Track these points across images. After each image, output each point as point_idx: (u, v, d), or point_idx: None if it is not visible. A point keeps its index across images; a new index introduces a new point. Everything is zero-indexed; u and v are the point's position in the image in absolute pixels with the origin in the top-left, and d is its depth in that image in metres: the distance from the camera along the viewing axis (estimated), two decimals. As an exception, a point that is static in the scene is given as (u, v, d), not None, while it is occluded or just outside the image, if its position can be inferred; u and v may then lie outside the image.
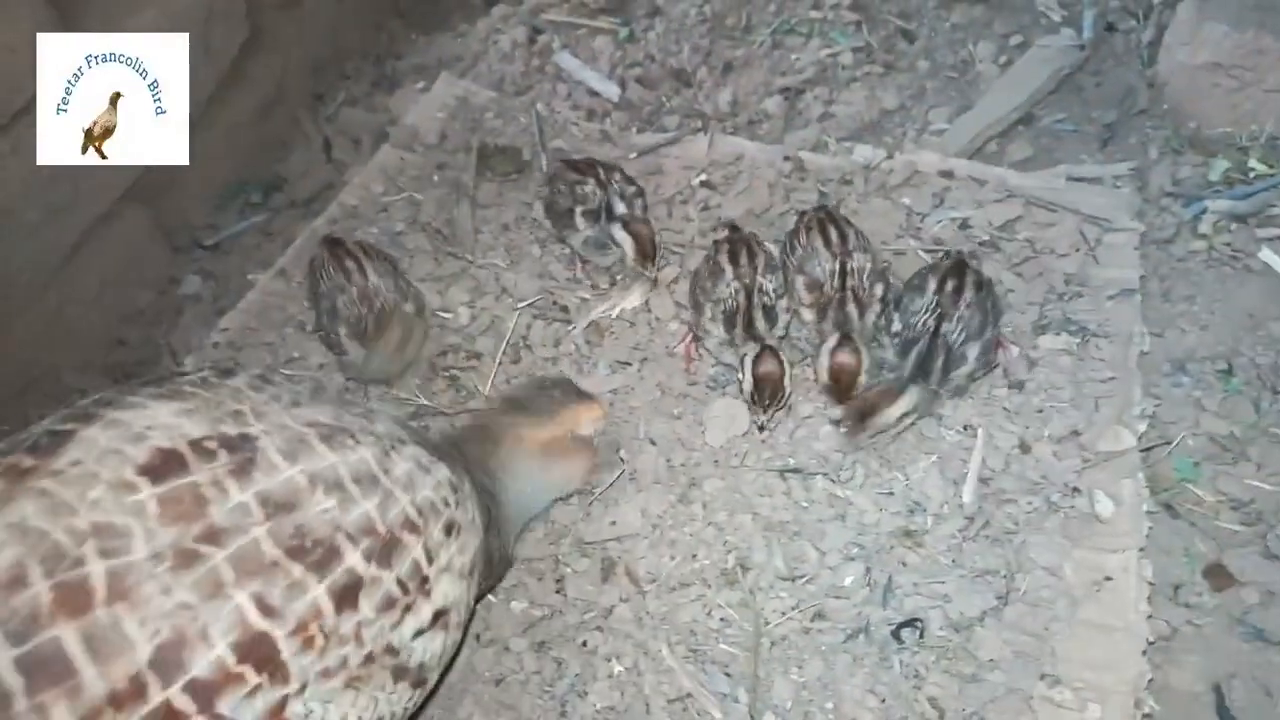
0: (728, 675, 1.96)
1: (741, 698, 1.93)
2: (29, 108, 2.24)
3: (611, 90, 3.23)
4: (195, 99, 2.52)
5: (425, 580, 1.46)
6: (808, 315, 2.40)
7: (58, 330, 2.59)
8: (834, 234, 2.40)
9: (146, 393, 1.41)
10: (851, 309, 2.33)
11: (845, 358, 2.24)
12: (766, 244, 2.54)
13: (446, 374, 2.47)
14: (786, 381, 2.25)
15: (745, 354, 2.28)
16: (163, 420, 1.35)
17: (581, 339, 2.52)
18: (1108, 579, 2.01)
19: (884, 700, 1.90)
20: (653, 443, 2.31)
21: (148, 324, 2.77)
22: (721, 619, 2.03)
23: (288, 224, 2.96)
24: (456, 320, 2.56)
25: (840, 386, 2.25)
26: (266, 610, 1.25)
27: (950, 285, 2.30)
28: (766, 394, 2.24)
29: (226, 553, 1.25)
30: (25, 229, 2.40)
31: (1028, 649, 1.93)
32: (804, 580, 2.07)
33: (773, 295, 2.38)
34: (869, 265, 2.38)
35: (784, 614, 2.02)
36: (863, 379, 2.25)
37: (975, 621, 1.97)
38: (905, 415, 2.19)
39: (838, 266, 2.35)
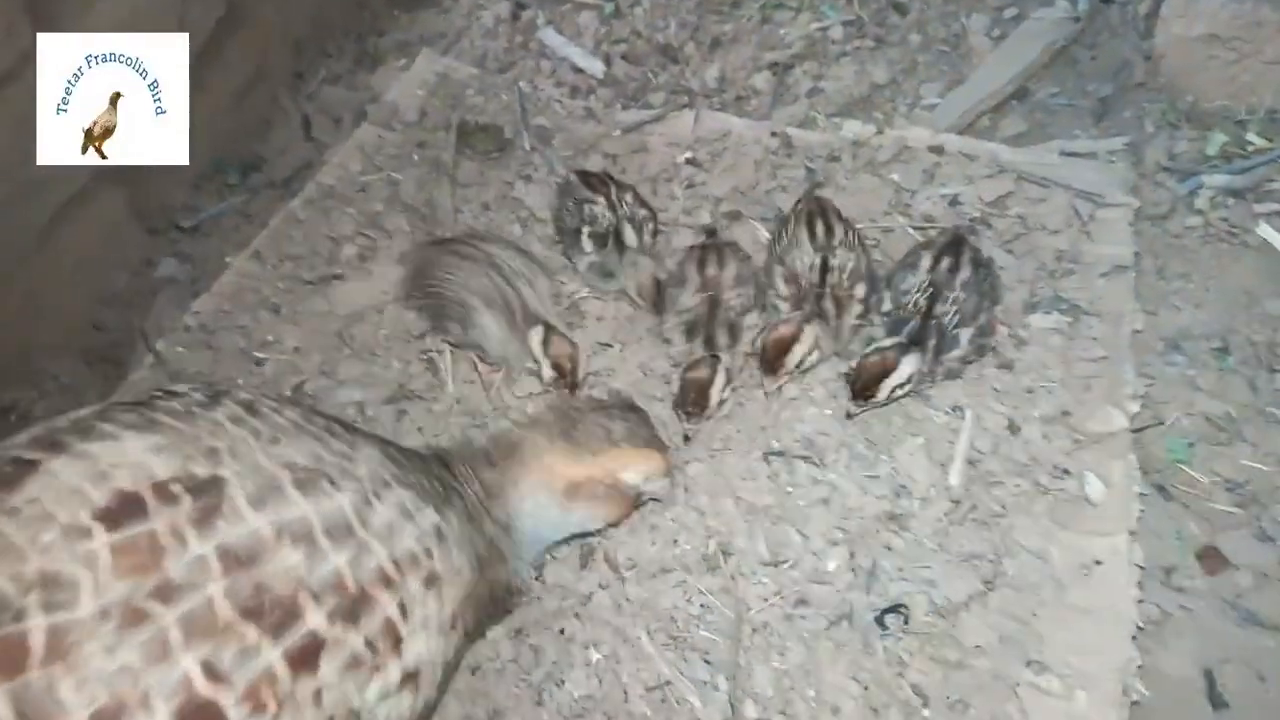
0: (708, 662, 1.92)
1: (721, 685, 1.89)
2: (-5, 85, 2.20)
3: (596, 67, 3.17)
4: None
5: (398, 639, 1.37)
6: (783, 308, 2.32)
7: (32, 314, 2.54)
8: (820, 227, 2.33)
9: (124, 420, 1.33)
10: (829, 306, 2.26)
11: (784, 331, 2.20)
12: (744, 251, 2.44)
13: (424, 356, 2.42)
14: (714, 391, 2.16)
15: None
16: (131, 457, 1.27)
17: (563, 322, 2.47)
18: (1097, 563, 1.96)
19: (867, 687, 1.86)
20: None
21: (124, 307, 2.71)
22: (702, 605, 1.99)
23: (266, 205, 2.90)
24: (435, 302, 2.51)
25: (766, 356, 2.21)
26: (214, 676, 1.17)
27: (946, 263, 2.24)
28: (690, 400, 2.16)
29: (178, 613, 1.17)
30: (-3, 209, 2.36)
31: (1014, 635, 1.89)
32: (786, 566, 2.02)
33: (738, 310, 2.29)
34: (852, 264, 2.30)
35: (766, 600, 1.98)
36: (791, 359, 2.19)
37: (961, 607, 1.93)
38: (900, 385, 2.12)
39: (819, 261, 2.28)
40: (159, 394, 1.44)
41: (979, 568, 1.98)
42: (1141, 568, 1.96)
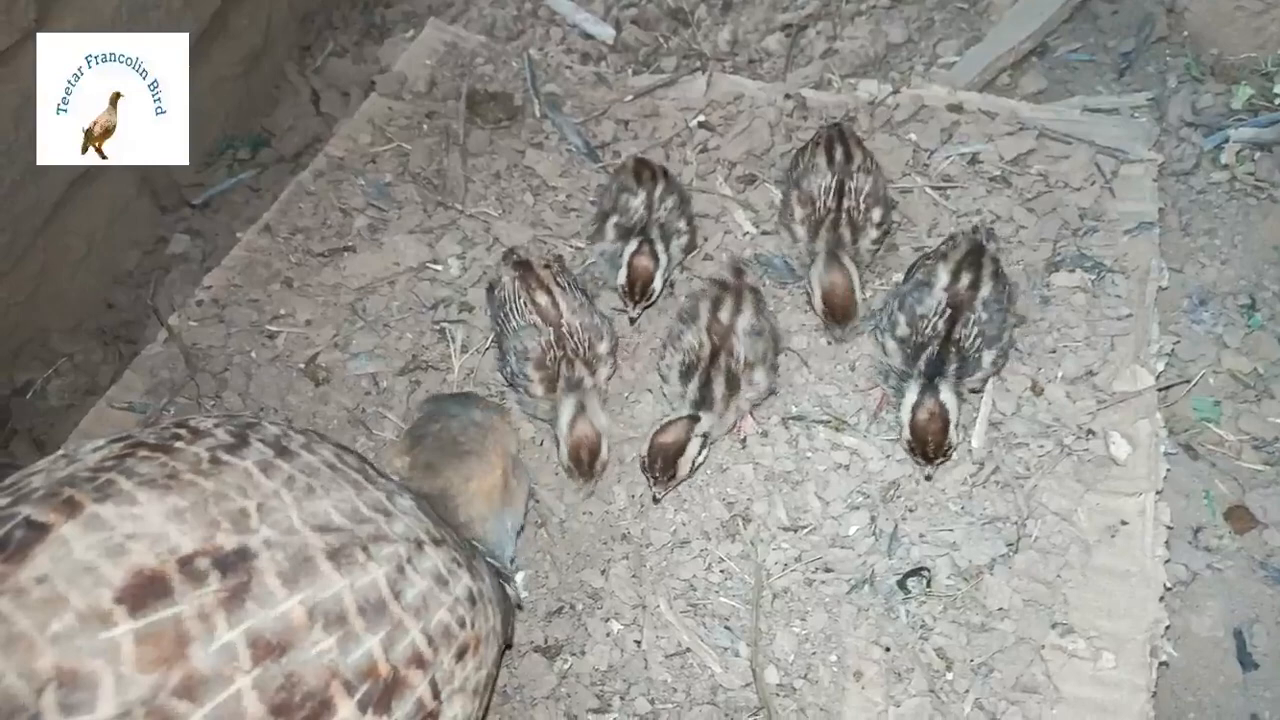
0: (728, 629, 1.90)
1: (742, 651, 1.87)
2: (-3, 66, 2.19)
3: (606, 32, 3.12)
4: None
5: (431, 715, 1.31)
6: (800, 232, 2.31)
7: (45, 294, 2.54)
8: (839, 152, 2.31)
9: (143, 474, 1.24)
10: (845, 231, 2.24)
11: (837, 278, 2.16)
12: (765, 301, 2.26)
13: (437, 327, 2.39)
14: (685, 460, 1.98)
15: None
16: (150, 526, 1.17)
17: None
18: (1123, 523, 1.93)
19: (889, 650, 1.84)
20: (649, 391, 2.24)
21: (136, 285, 2.71)
22: (722, 572, 1.97)
23: (276, 179, 2.88)
24: (447, 272, 2.49)
25: (834, 309, 2.17)
26: None
27: (965, 279, 2.07)
28: (657, 467, 1.99)
29: (204, 712, 1.09)
30: (5, 188, 2.34)
31: (1039, 597, 1.86)
32: (807, 531, 2.00)
33: (741, 361, 2.08)
34: (869, 187, 2.28)
35: (786, 566, 1.96)
36: (857, 296, 2.16)
37: (984, 569, 1.90)
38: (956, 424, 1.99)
39: (834, 184, 2.26)
40: (183, 432, 1.35)
41: (1002, 530, 1.95)
42: (1169, 527, 1.93)
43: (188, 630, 1.11)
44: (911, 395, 1.98)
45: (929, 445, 1.95)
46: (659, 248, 2.27)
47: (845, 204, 2.25)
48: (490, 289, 2.33)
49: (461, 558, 1.45)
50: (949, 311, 2.04)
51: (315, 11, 3.29)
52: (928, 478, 2.02)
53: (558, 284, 2.21)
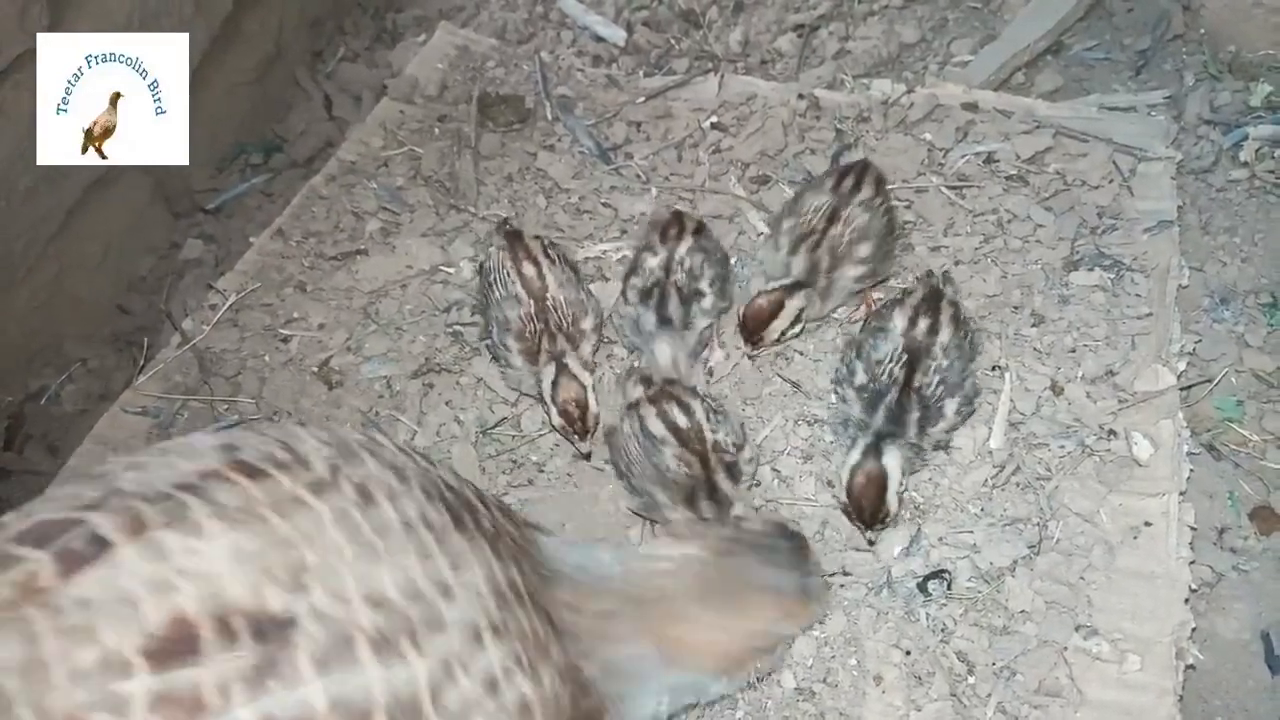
0: (746, 633, 1.88)
1: (761, 655, 1.85)
2: (10, 71, 2.18)
3: (617, 34, 3.11)
4: (190, 57, 2.45)
5: None
6: (783, 241, 2.27)
7: (59, 299, 2.54)
8: (848, 182, 2.27)
9: (222, 502, 1.14)
10: (823, 255, 2.19)
11: (762, 300, 2.16)
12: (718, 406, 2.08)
13: (450, 330, 2.38)
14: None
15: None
16: (207, 564, 1.08)
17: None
18: (1147, 524, 1.91)
19: (910, 654, 1.81)
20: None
21: (150, 291, 2.71)
22: (739, 575, 1.95)
23: (289, 184, 2.87)
24: (460, 275, 2.48)
25: (746, 328, 2.18)
26: None
27: (923, 324, 2.03)
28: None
29: None
30: (19, 194, 2.34)
31: (1062, 599, 1.83)
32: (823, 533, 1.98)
33: (733, 449, 1.95)
34: (863, 222, 2.20)
35: (804, 569, 1.94)
36: (775, 327, 2.15)
37: (1005, 571, 1.88)
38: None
39: (828, 207, 2.22)
40: (287, 457, 1.23)
41: (1024, 532, 1.93)
42: (1193, 528, 1.90)
43: (203, 700, 1.02)
44: (855, 454, 1.93)
45: (864, 510, 1.90)
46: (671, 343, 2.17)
47: (831, 230, 2.19)
48: (481, 263, 2.34)
49: (526, 653, 1.29)
50: (906, 358, 1.98)
51: (326, 17, 3.29)
52: (870, 543, 1.95)
53: (546, 256, 2.20)
